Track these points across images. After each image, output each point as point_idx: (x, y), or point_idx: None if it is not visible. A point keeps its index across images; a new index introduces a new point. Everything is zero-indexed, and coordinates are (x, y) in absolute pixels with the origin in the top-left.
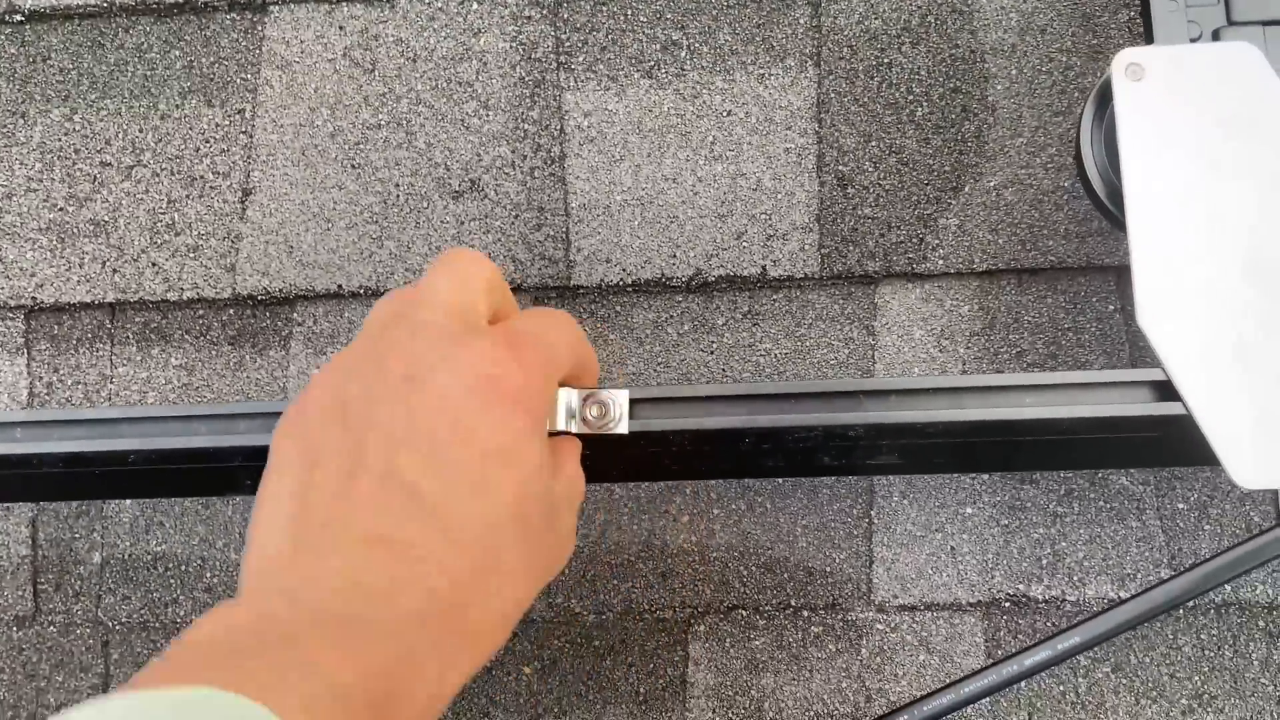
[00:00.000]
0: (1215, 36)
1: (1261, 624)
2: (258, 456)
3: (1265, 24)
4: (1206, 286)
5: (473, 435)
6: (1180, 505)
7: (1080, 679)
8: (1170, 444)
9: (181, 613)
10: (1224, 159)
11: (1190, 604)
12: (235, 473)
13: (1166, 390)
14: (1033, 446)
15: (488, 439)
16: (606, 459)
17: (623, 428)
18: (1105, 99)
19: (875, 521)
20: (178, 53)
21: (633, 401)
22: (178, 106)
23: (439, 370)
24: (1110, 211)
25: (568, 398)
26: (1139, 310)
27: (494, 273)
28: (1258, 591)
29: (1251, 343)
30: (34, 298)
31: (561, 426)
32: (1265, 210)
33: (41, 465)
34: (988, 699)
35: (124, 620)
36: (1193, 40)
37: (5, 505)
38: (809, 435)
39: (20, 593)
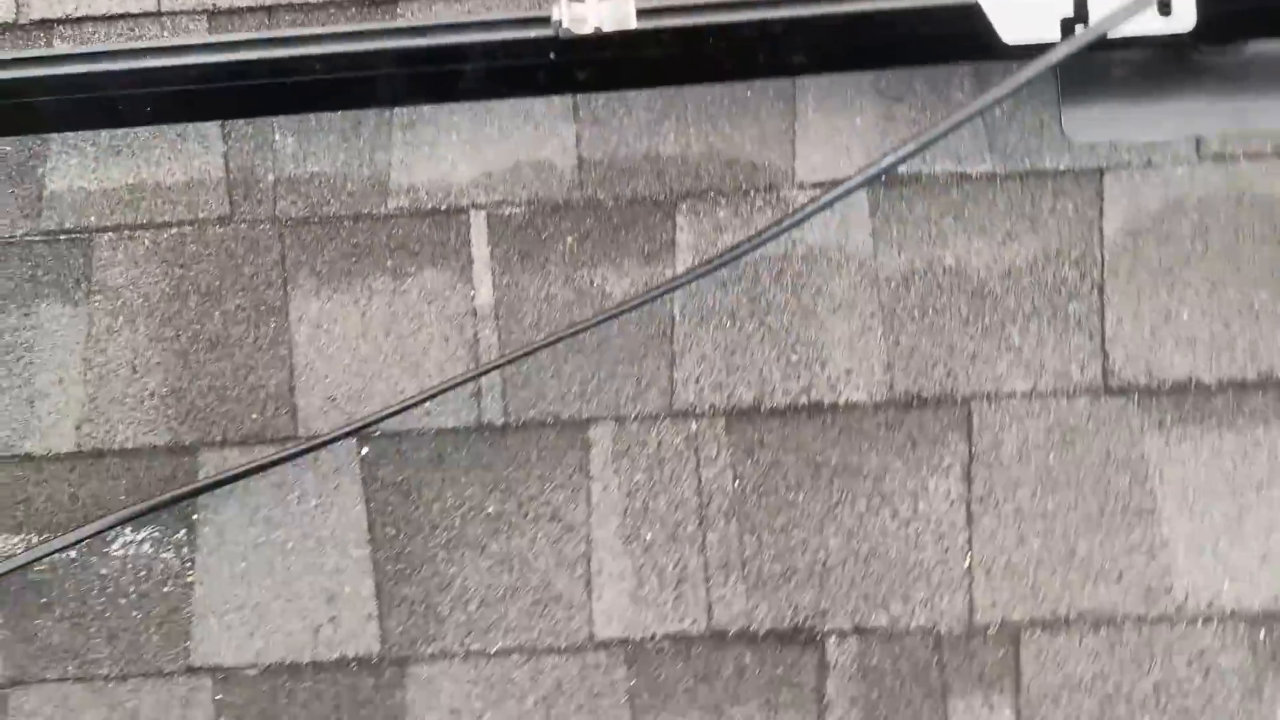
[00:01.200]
0: None
1: (1049, 185)
2: (394, 62)
3: None
4: None
5: None
6: (997, 113)
7: (930, 207)
8: (969, 36)
9: (331, 210)
10: None
11: (1002, 175)
12: (375, 81)
13: None
14: (880, 41)
15: None
16: (619, 68)
17: (631, 23)
18: None
19: (798, 132)
20: None
21: (638, 12)
22: None
23: None
24: None
25: (597, 8)
26: None
27: None
28: (1049, 163)
29: None
30: None
31: (596, 26)
32: None
33: (234, 78)
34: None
35: (293, 216)
36: None
37: (205, 144)
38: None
39: (220, 201)
